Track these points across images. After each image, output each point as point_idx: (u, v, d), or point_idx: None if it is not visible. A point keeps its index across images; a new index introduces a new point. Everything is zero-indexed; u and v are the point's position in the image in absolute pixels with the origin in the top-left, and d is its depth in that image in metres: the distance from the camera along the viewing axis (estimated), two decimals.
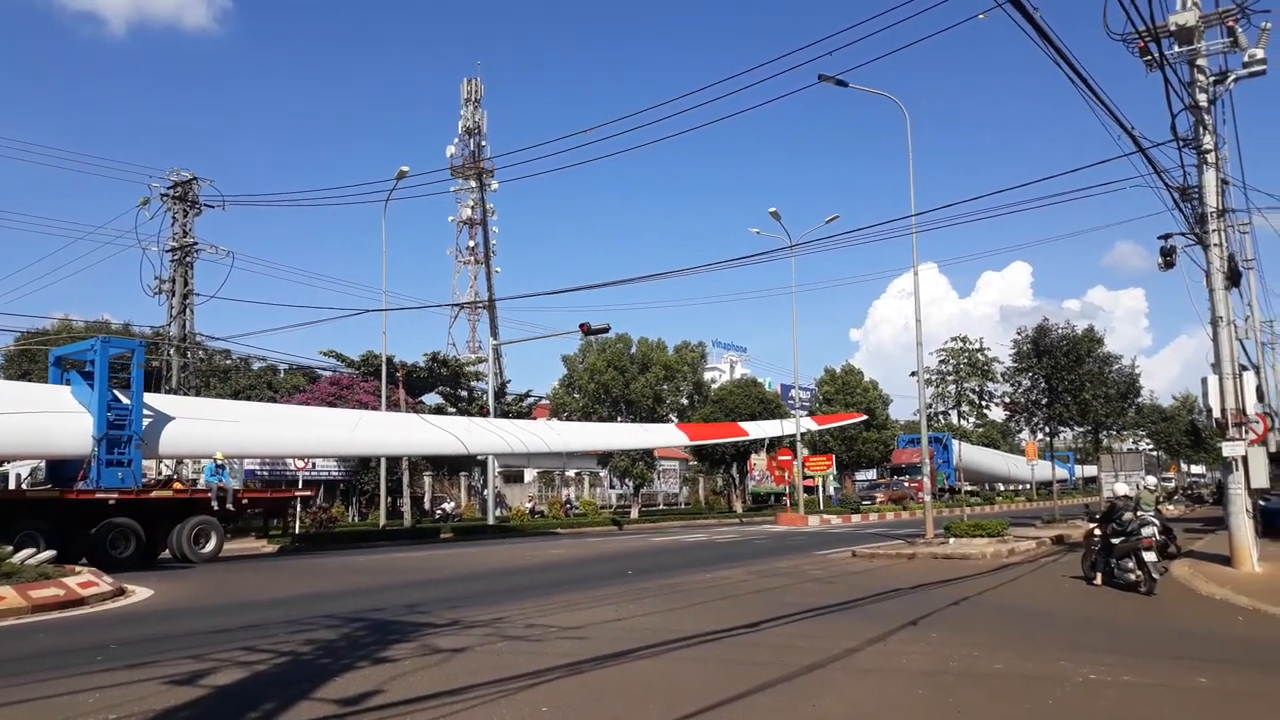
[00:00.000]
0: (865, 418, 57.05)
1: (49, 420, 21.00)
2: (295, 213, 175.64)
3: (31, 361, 41.40)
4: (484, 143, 73.68)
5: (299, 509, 34.92)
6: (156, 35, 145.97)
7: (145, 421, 22.19)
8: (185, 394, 33.63)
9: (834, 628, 10.71)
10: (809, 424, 47.17)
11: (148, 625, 11.72)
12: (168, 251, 34.64)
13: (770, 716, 6.66)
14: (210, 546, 22.25)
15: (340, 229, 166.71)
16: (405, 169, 34.10)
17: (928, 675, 8.09)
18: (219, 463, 23.76)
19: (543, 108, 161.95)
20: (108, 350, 21.84)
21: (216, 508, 22.69)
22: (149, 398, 23.15)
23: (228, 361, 48.43)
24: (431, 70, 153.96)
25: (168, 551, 21.94)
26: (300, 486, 35.91)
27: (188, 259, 34.82)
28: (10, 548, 15.39)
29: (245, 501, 25.12)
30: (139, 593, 15.12)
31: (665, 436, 42.52)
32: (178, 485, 23.88)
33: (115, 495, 20.66)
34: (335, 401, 39.77)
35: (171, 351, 34.76)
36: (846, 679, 8.04)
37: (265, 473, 42.85)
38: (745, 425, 46.14)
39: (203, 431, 24.22)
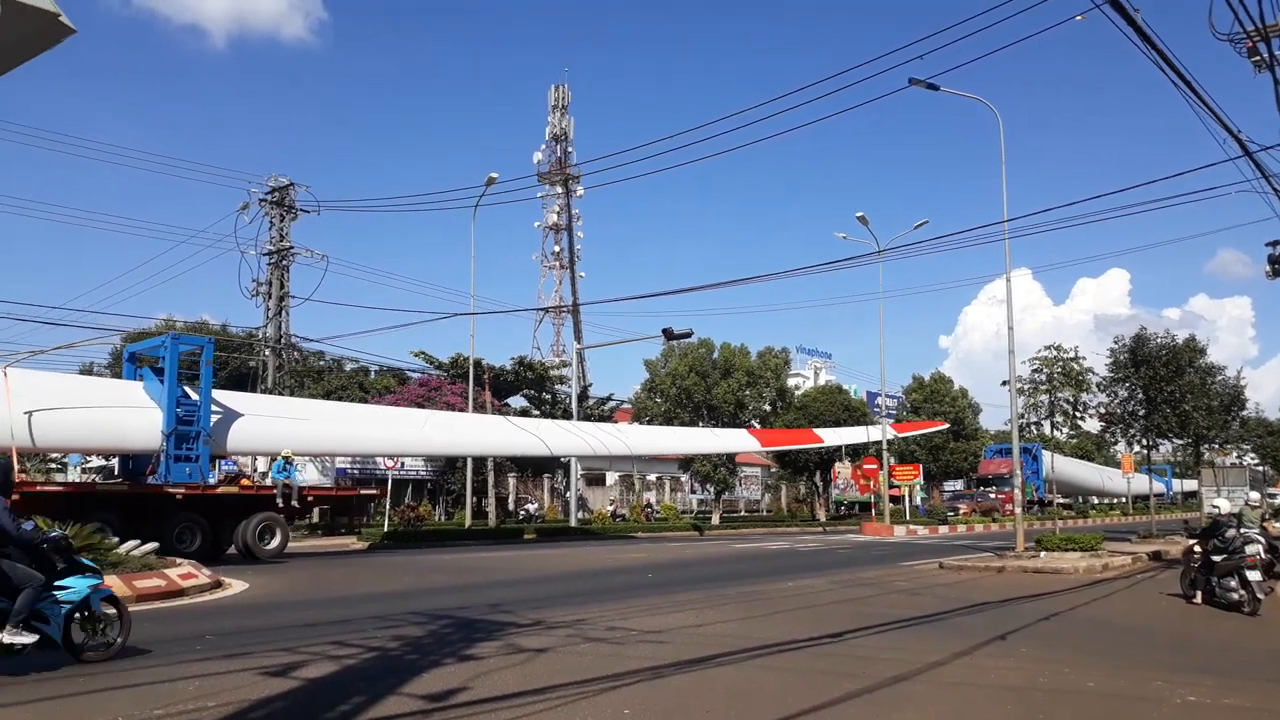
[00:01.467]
0: (947, 425, 55.78)
1: (120, 415, 21.43)
2: (388, 218, 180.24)
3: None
4: (570, 149, 74.59)
5: (386, 508, 35.84)
6: (256, 45, 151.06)
7: (214, 418, 22.48)
8: (280, 393, 34.72)
9: (919, 640, 10.53)
10: (888, 431, 46.43)
11: (243, 617, 12.12)
12: (265, 255, 35.85)
13: None
14: (275, 543, 22.34)
15: (430, 234, 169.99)
16: (495, 175, 34.75)
17: (1015, 691, 7.91)
18: (286, 459, 23.97)
19: (629, 114, 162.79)
20: (178, 346, 22.21)
21: (281, 504, 22.91)
22: (218, 394, 23.56)
23: (321, 363, 49.84)
24: (519, 77, 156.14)
25: (233, 548, 22.10)
26: (387, 486, 36.77)
27: (284, 262, 35.97)
28: (117, 539, 16.05)
29: (310, 499, 25.38)
30: (235, 585, 15.65)
31: (738, 442, 42.04)
32: (245, 482, 24.27)
33: (183, 490, 20.99)
34: (424, 403, 40.57)
35: (267, 352, 35.88)
36: (931, 692, 7.90)
37: (356, 471, 43.97)
38: (820, 432, 45.40)
39: (272, 429, 24.55)
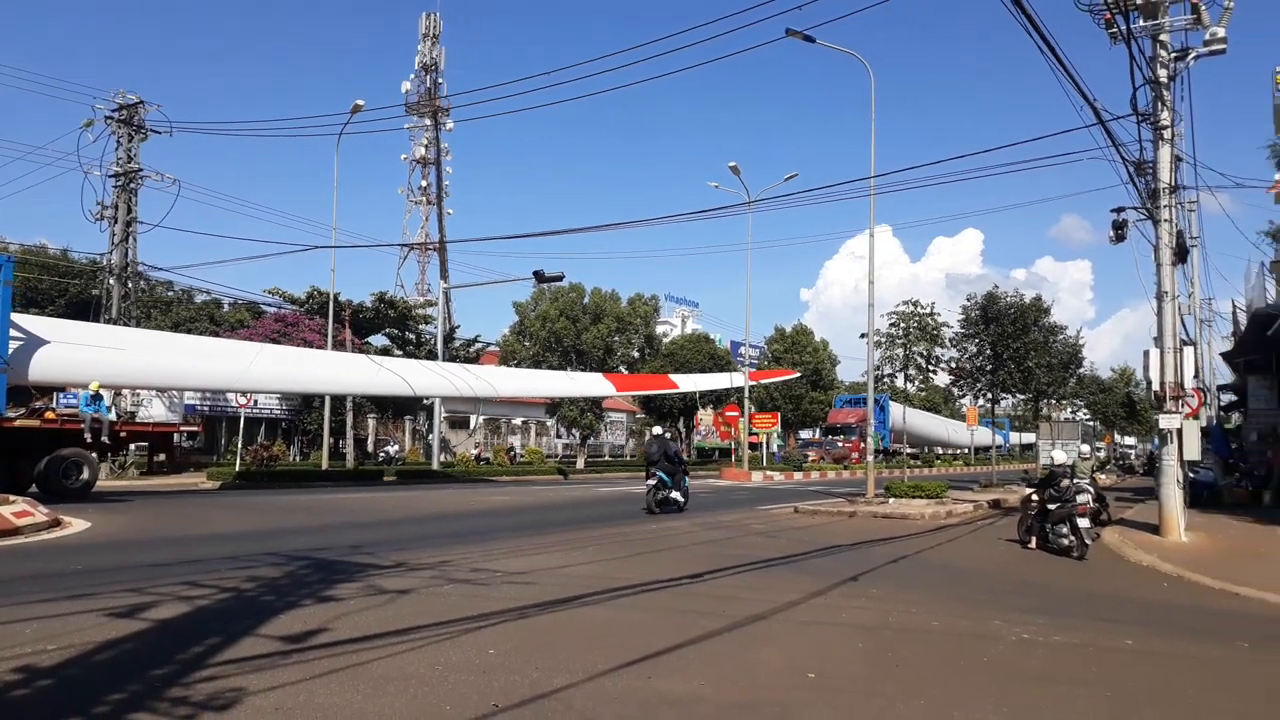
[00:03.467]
0: (798, 374, 57.36)
1: None
2: (246, 144, 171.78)
3: None
4: (441, 80, 72.28)
5: (239, 446, 34.62)
6: None
7: (13, 345, 20.62)
8: (125, 324, 32.85)
9: (776, 581, 10.86)
10: (739, 379, 47.48)
11: (85, 557, 11.52)
12: (111, 177, 33.60)
13: (713, 665, 6.75)
14: (82, 480, 20.90)
15: (292, 164, 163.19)
16: (360, 103, 33.33)
17: (867, 630, 8.26)
18: (94, 393, 22.04)
19: (503, 49, 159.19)
20: None
21: (90, 440, 21.31)
22: (20, 319, 21.78)
23: (170, 293, 47.44)
24: (392, 3, 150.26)
25: (34, 485, 20.33)
26: (239, 424, 35.50)
27: (131, 185, 33.81)
28: None
29: (124, 435, 23.73)
30: (76, 524, 14.87)
31: (593, 386, 41.91)
32: (49, 415, 22.46)
33: None
34: (279, 338, 39.22)
35: (112, 280, 33.84)
36: (788, 631, 8.17)
37: (206, 408, 42.31)
38: (676, 378, 45.83)
39: (81, 358, 22.76)
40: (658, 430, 23.88)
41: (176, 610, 7.97)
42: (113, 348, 24.32)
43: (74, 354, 22.80)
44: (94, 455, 21.92)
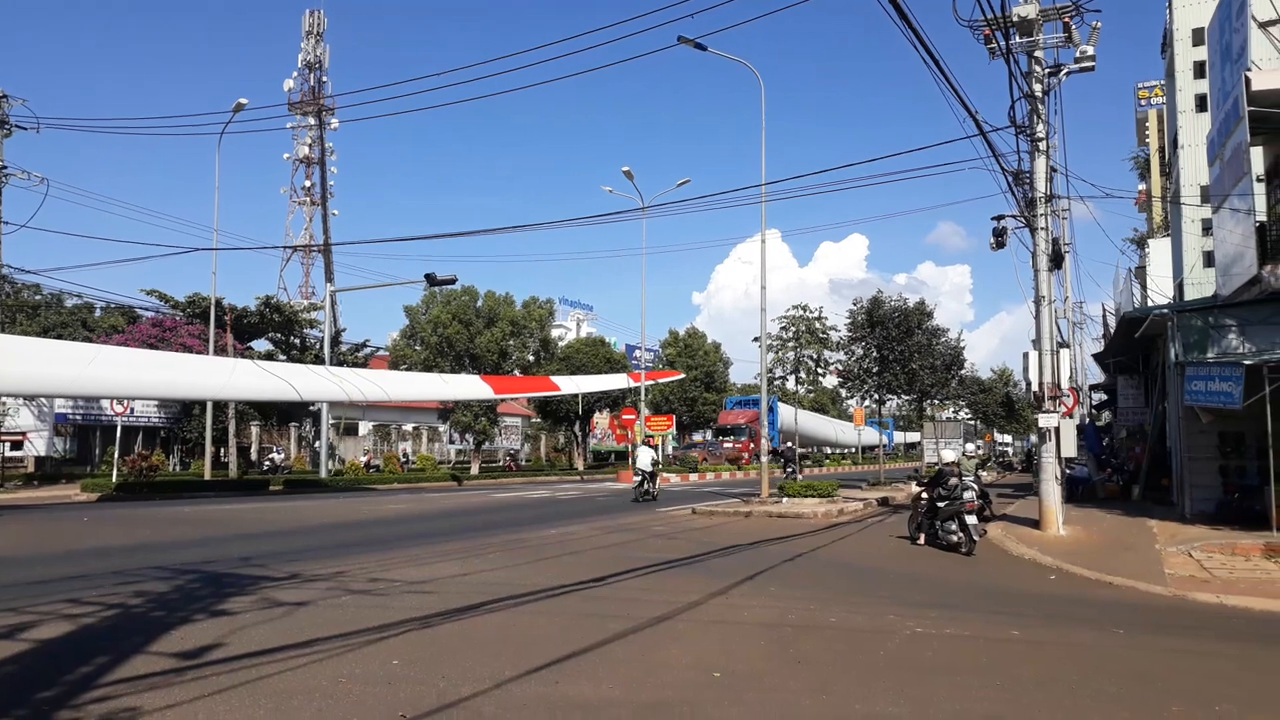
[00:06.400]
0: (683, 375, 57.92)
1: None
2: (120, 142, 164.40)
3: None
4: (325, 79, 70.82)
5: (115, 456, 33.12)
6: None
7: None
8: None
9: (678, 582, 10.98)
10: (621, 380, 47.52)
11: None
12: None
13: (620, 666, 6.80)
14: None
15: (169, 162, 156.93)
16: (243, 101, 32.37)
17: (767, 627, 8.43)
18: None
19: (390, 50, 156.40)
20: None
21: None
22: None
23: (37, 297, 45.11)
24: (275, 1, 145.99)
25: None
26: (115, 433, 33.98)
27: None
28: None
29: None
30: None
31: (468, 388, 41.11)
32: None
33: None
34: (157, 344, 37.77)
35: None
36: (692, 630, 8.27)
37: (79, 417, 40.40)
38: (558, 380, 45.43)
39: None
40: None
41: (60, 629, 7.60)
42: None
43: None
44: None
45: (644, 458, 28.36)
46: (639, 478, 27.68)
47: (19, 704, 5.56)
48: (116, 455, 33.60)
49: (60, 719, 5.27)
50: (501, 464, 53.26)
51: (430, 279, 35.44)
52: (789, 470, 33.23)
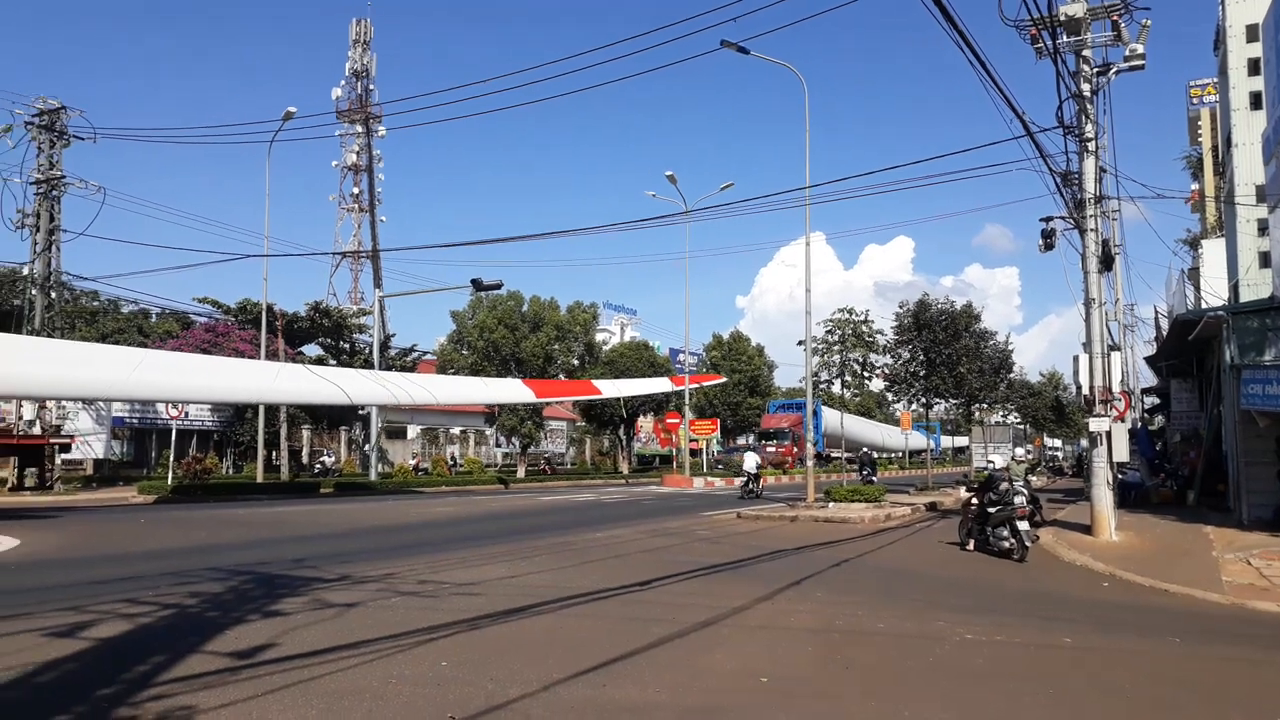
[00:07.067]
0: (724, 379, 57.75)
1: None
2: (175, 151, 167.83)
3: None
4: (372, 86, 71.73)
5: (170, 460, 33.80)
6: None
7: None
8: (49, 335, 31.90)
9: (723, 587, 10.95)
10: (661, 384, 47.41)
11: (17, 576, 11.20)
12: (32, 184, 32.59)
13: (667, 671, 6.80)
14: None
15: (221, 171, 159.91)
16: (293, 110, 32.99)
17: (815, 633, 8.38)
18: None
19: (437, 57, 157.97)
20: None
21: None
22: None
23: (95, 304, 46.18)
24: (323, 10, 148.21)
25: None
26: (171, 437, 34.65)
27: (54, 193, 32.81)
28: None
29: None
30: (3, 542, 14.42)
31: (510, 392, 41.34)
32: None
33: None
34: (209, 349, 38.46)
35: (34, 290, 32.83)
36: (738, 636, 8.25)
37: (135, 421, 41.26)
38: (599, 383, 45.44)
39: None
40: None
41: (119, 628, 7.78)
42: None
43: None
44: None
45: (749, 462, 32.96)
46: (744, 478, 32.47)
47: (79, 700, 5.70)
48: (171, 458, 34.31)
49: (119, 716, 5.40)
50: (539, 467, 53.45)
51: (476, 284, 35.81)
52: (864, 474, 34.82)
